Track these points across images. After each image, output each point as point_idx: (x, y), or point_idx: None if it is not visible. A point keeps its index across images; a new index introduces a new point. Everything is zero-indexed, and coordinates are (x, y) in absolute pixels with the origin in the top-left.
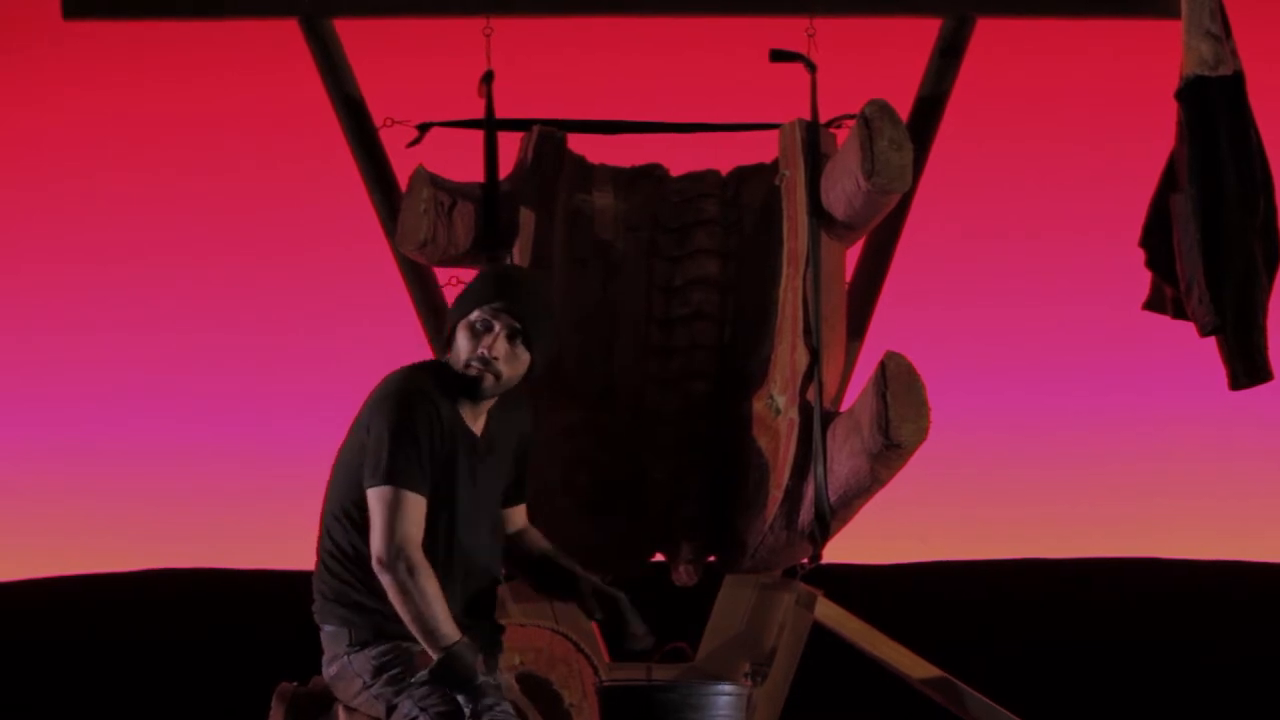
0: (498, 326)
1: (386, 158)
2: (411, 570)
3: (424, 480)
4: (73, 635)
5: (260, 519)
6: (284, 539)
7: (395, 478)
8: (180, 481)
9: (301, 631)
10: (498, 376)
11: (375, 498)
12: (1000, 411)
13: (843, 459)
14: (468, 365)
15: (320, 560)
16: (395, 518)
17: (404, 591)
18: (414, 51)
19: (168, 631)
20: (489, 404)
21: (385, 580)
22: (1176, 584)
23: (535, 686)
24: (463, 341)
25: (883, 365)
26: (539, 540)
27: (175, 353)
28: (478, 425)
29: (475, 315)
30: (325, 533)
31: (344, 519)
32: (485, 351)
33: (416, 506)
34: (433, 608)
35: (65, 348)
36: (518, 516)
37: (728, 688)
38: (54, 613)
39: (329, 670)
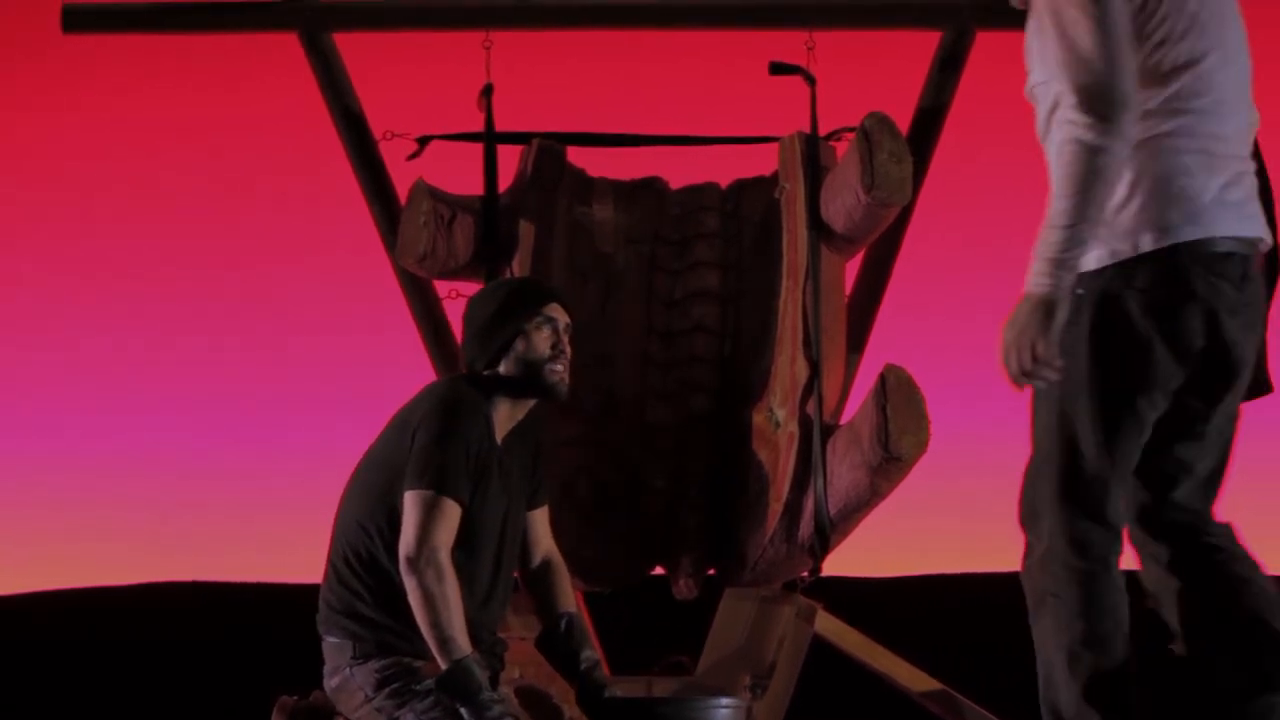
0: (562, 327)
1: (386, 170)
2: (439, 576)
3: (464, 490)
4: (74, 648)
5: (261, 532)
6: (284, 552)
7: (439, 483)
8: (180, 494)
9: (302, 644)
10: (568, 375)
11: (414, 500)
12: (1000, 424)
13: (842, 471)
14: (548, 367)
15: (331, 567)
16: (432, 521)
17: (427, 596)
18: (414, 64)
19: (168, 644)
20: (518, 415)
21: (410, 583)
22: None
23: (535, 700)
24: (539, 343)
25: (882, 378)
26: (562, 592)
27: (173, 363)
28: (500, 437)
29: (541, 316)
30: (342, 539)
31: (369, 526)
32: (564, 351)
33: (453, 514)
34: (452, 617)
35: (64, 357)
36: (540, 521)
37: (726, 701)
38: (55, 625)
39: (330, 682)
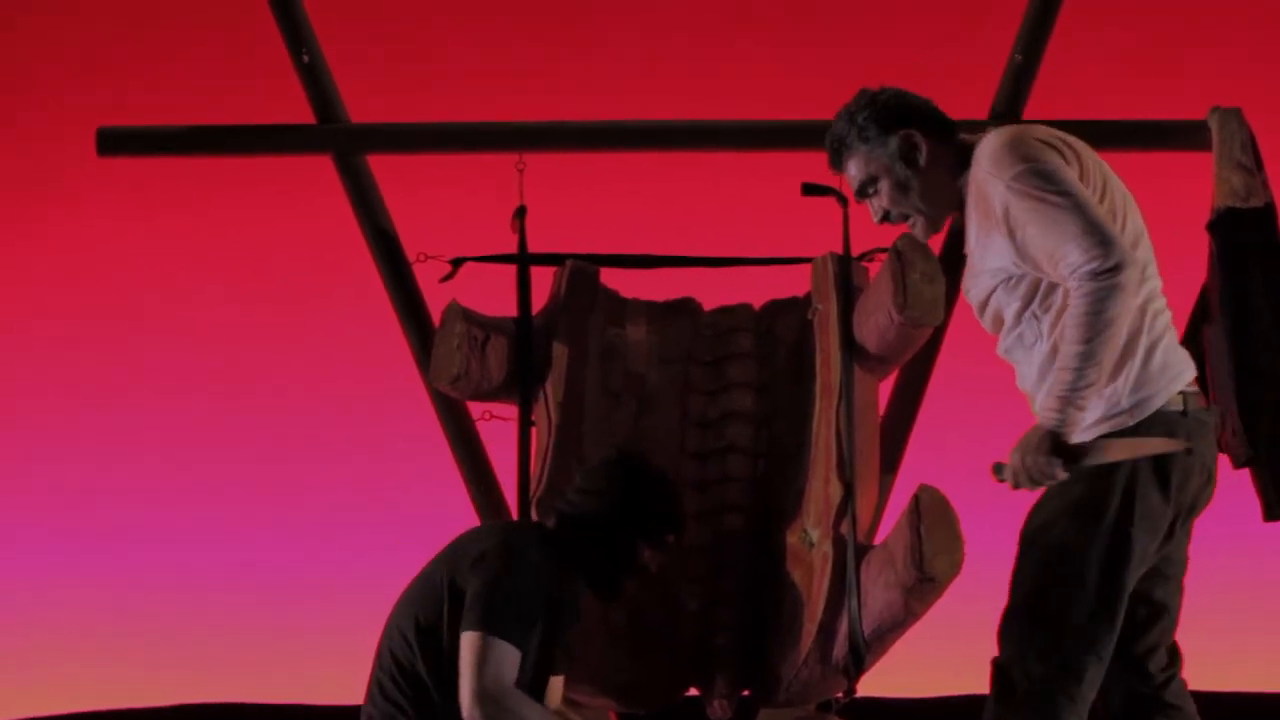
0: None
1: (420, 292)
2: (500, 705)
3: (524, 637)
4: None
5: (292, 655)
6: (314, 675)
7: (497, 627)
8: (215, 615)
9: None
10: None
11: (472, 642)
12: None
13: (876, 592)
14: (624, 588)
15: (375, 681)
16: (489, 663)
17: None
18: (447, 186)
19: None
20: (569, 581)
21: None
22: (1209, 716)
23: None
24: (639, 564)
25: (916, 498)
26: None
27: (199, 484)
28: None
29: (664, 546)
30: (388, 651)
31: (412, 639)
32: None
33: (511, 657)
34: None
35: (93, 478)
36: (555, 689)
37: None
38: None
39: None
